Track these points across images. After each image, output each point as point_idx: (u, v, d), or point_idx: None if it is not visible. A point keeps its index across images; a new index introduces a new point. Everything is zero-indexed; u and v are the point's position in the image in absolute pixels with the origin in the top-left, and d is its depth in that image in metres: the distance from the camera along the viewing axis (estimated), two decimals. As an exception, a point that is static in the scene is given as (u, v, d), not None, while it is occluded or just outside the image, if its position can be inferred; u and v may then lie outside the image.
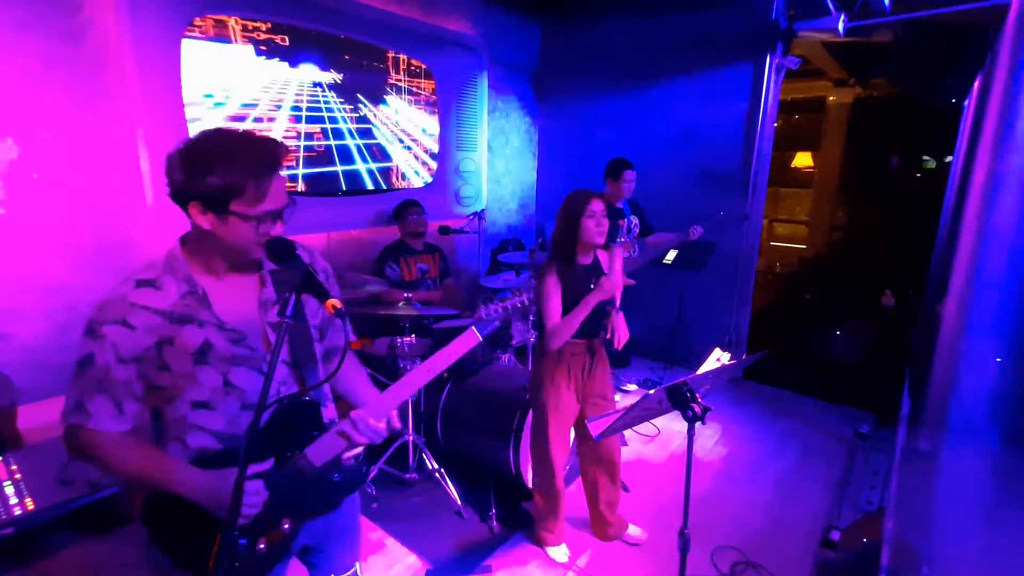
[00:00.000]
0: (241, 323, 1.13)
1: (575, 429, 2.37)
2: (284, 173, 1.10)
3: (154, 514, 1.12)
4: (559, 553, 2.36)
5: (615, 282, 2.05)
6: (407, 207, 3.42)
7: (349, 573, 1.37)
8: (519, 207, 5.34)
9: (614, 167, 3.49)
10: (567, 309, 2.06)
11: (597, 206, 2.07)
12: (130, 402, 1.08)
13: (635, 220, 3.54)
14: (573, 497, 2.70)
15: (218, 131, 1.05)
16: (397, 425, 1.23)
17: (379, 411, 1.16)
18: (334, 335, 1.35)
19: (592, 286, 2.09)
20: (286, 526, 1.15)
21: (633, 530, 2.47)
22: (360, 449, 1.22)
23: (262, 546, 1.12)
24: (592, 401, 2.28)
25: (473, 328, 1.20)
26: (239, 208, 1.03)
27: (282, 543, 1.16)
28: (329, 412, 1.31)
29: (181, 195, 1.03)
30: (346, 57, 3.55)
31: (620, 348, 2.19)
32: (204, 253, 1.11)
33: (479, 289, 3.62)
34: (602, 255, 2.23)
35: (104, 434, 1.06)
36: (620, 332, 2.16)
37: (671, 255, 3.84)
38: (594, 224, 2.06)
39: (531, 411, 2.35)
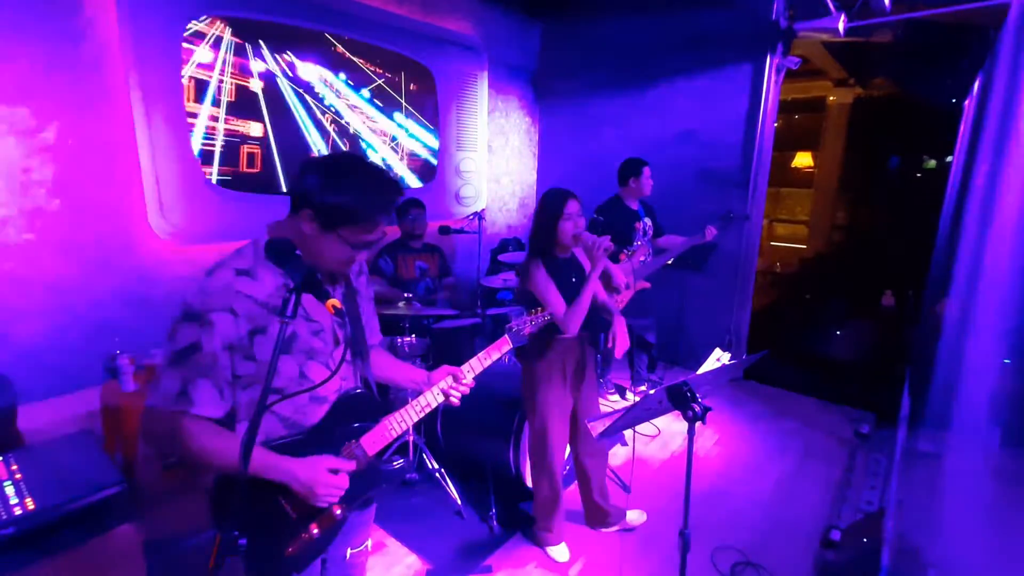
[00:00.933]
0: (319, 317, 1.20)
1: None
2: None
3: (229, 500, 1.12)
4: (559, 552, 2.36)
5: (599, 267, 2.07)
6: (407, 206, 3.42)
7: (361, 548, 1.42)
8: (519, 207, 5.34)
9: (633, 165, 3.43)
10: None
11: (573, 207, 2.11)
12: (227, 387, 1.10)
13: (648, 222, 3.51)
14: (572, 496, 2.70)
15: (360, 158, 1.14)
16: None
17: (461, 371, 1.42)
18: (370, 333, 1.43)
19: (574, 280, 2.14)
20: (338, 512, 1.21)
21: (632, 514, 2.50)
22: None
23: (315, 531, 1.18)
24: (585, 395, 2.30)
25: (507, 336, 1.56)
26: (347, 232, 1.10)
27: (333, 528, 1.22)
28: None
29: (301, 199, 1.09)
30: (346, 56, 3.55)
31: (619, 357, 2.23)
32: (300, 259, 1.14)
33: (479, 289, 3.62)
34: (610, 265, 2.28)
35: (202, 422, 1.08)
36: (620, 340, 2.19)
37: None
38: (571, 226, 2.11)
39: (526, 409, 2.35)
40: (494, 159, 4.90)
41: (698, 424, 1.48)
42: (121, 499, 1.74)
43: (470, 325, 2.96)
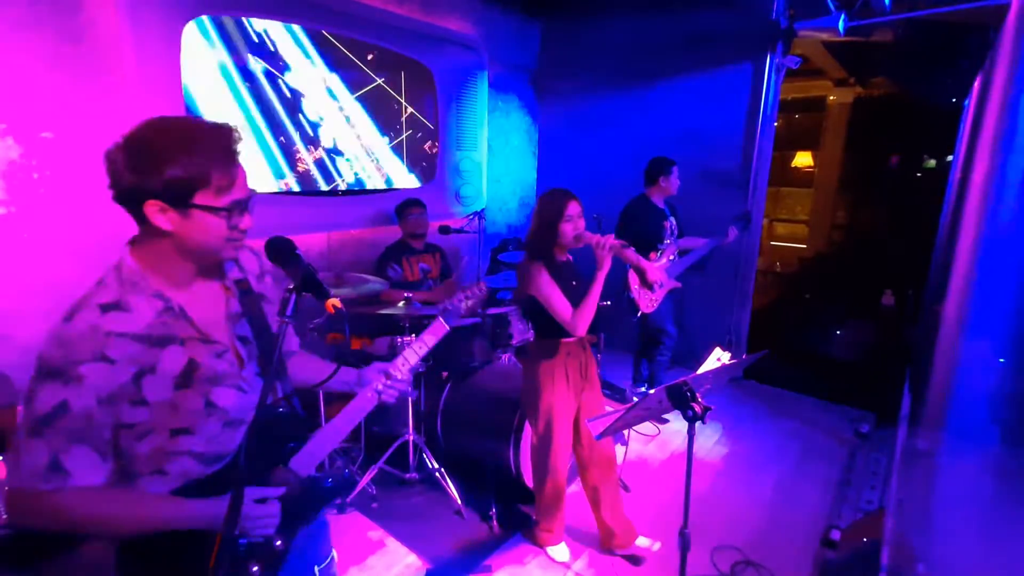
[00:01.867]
0: (219, 335, 1.04)
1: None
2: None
3: (138, 561, 1.03)
4: (559, 552, 2.36)
5: (606, 266, 2.03)
6: (408, 206, 3.42)
7: (327, 561, 1.32)
8: (519, 206, 5.34)
9: (663, 164, 3.39)
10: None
11: (574, 209, 2.09)
12: (108, 446, 0.93)
13: (674, 221, 3.50)
14: (571, 497, 2.70)
15: (163, 120, 0.94)
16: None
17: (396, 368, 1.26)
18: (291, 338, 1.34)
19: (573, 283, 2.12)
20: (278, 543, 1.08)
21: (642, 541, 2.34)
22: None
23: (255, 569, 1.04)
24: (588, 398, 2.27)
25: (440, 319, 1.40)
26: (205, 200, 0.92)
27: (275, 560, 1.09)
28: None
29: (134, 195, 0.91)
30: (347, 55, 3.55)
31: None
32: (165, 261, 0.98)
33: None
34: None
35: (85, 492, 0.91)
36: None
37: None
38: (571, 228, 2.08)
39: (528, 413, 2.32)
40: (494, 159, 4.90)
41: (698, 424, 1.48)
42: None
43: (470, 325, 2.96)
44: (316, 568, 1.26)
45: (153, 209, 0.92)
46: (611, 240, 1.98)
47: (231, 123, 0.98)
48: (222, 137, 0.94)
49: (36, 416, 0.87)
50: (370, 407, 1.23)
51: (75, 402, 0.88)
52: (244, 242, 1.06)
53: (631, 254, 2.94)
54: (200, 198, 0.92)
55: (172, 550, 1.02)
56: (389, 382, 1.25)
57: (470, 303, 1.49)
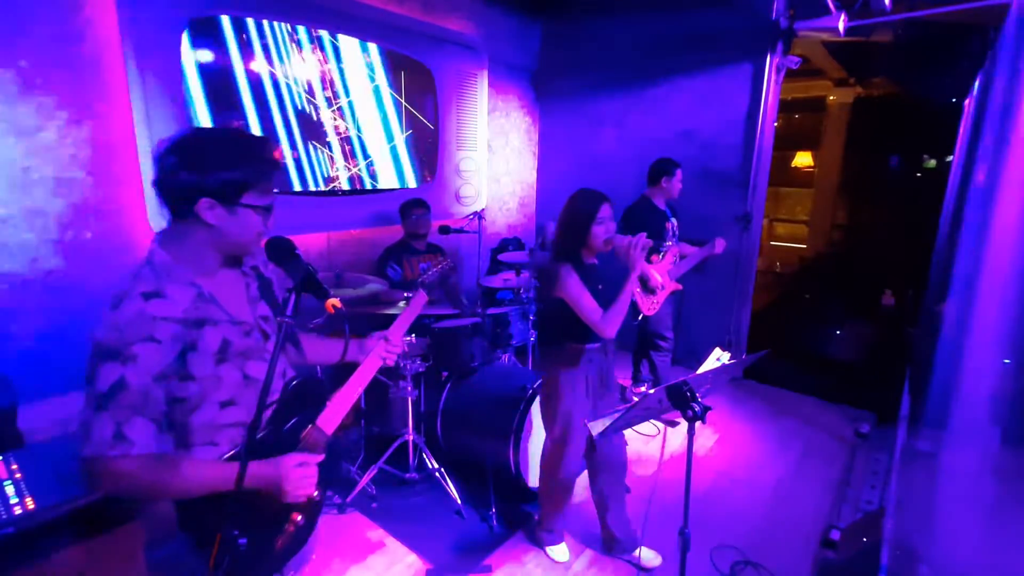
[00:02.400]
0: (244, 316, 1.18)
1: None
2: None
3: (199, 518, 1.13)
4: (559, 552, 2.36)
5: (638, 268, 1.98)
6: (413, 206, 3.43)
7: (306, 565, 1.40)
8: (519, 206, 5.34)
9: (667, 165, 3.38)
10: None
11: (606, 211, 2.02)
12: (165, 418, 1.07)
13: (676, 223, 3.49)
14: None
15: (215, 129, 1.12)
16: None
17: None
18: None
19: (600, 287, 2.06)
20: (316, 495, 1.21)
21: (646, 554, 2.32)
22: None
23: (299, 519, 1.20)
24: (605, 405, 2.21)
25: (421, 289, 1.66)
26: (251, 200, 1.08)
27: (314, 511, 1.24)
28: None
29: (189, 192, 1.04)
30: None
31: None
32: (197, 253, 1.11)
33: (479, 289, 3.62)
34: (646, 266, 2.22)
35: (148, 458, 1.03)
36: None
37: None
38: (603, 231, 2.02)
39: (545, 417, 2.26)
40: (494, 159, 4.90)
41: (698, 423, 1.48)
42: (122, 499, 1.74)
43: (470, 324, 2.96)
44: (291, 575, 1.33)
45: (204, 205, 1.05)
46: (643, 239, 1.92)
47: (269, 136, 1.12)
48: (268, 147, 1.14)
49: (99, 392, 0.99)
50: (375, 369, 1.41)
51: (132, 378, 1.00)
52: None
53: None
54: (247, 198, 1.07)
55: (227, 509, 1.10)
56: (388, 346, 1.44)
57: (437, 268, 1.75)
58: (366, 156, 3.80)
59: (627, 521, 2.35)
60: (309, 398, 1.28)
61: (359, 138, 3.74)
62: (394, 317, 2.71)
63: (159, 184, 1.06)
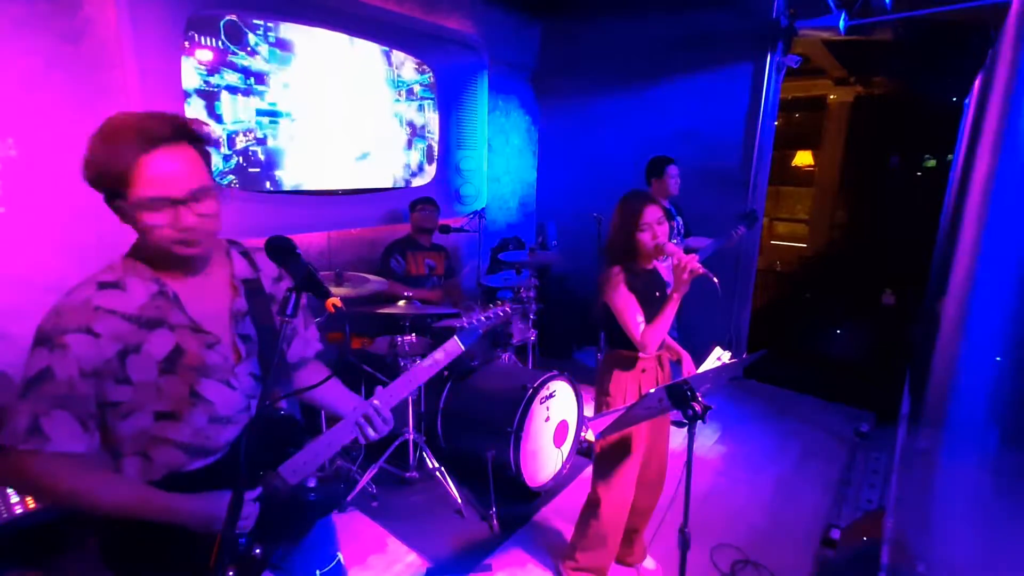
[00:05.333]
0: (214, 328, 1.05)
1: None
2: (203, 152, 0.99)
3: (125, 552, 1.03)
4: None
5: (685, 288, 1.84)
6: (420, 203, 3.46)
7: (333, 564, 1.31)
8: (519, 205, 5.34)
9: (656, 165, 3.35)
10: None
11: (652, 215, 1.88)
12: (92, 419, 0.95)
13: (680, 221, 3.46)
14: (573, 497, 2.71)
15: (114, 117, 0.93)
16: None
17: (387, 404, 1.18)
18: (298, 347, 1.28)
19: (657, 294, 1.96)
20: (257, 551, 1.06)
21: (649, 563, 2.31)
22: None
23: (231, 574, 0.98)
24: (659, 419, 2.08)
25: (456, 338, 1.28)
26: (137, 194, 0.90)
27: (253, 569, 1.07)
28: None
29: (96, 191, 0.94)
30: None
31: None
32: (153, 254, 1.00)
33: (480, 288, 3.62)
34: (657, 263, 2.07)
35: (65, 459, 0.91)
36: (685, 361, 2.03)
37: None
38: (650, 237, 1.90)
39: (600, 440, 2.02)
40: (494, 158, 4.90)
41: (698, 423, 1.48)
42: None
43: (470, 324, 2.96)
44: (318, 572, 1.26)
45: (111, 209, 0.95)
46: (693, 263, 1.76)
47: (171, 111, 0.96)
48: (147, 124, 0.91)
49: (24, 379, 0.91)
50: (347, 439, 1.16)
51: (59, 369, 0.91)
52: (238, 242, 1.08)
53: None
54: (130, 195, 0.91)
55: (159, 549, 1.01)
56: (366, 423, 1.16)
57: (490, 323, 1.38)
58: (366, 155, 3.80)
59: (642, 534, 2.30)
60: (281, 438, 1.15)
61: (359, 138, 3.73)
62: (394, 316, 2.73)
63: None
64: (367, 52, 3.67)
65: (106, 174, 0.91)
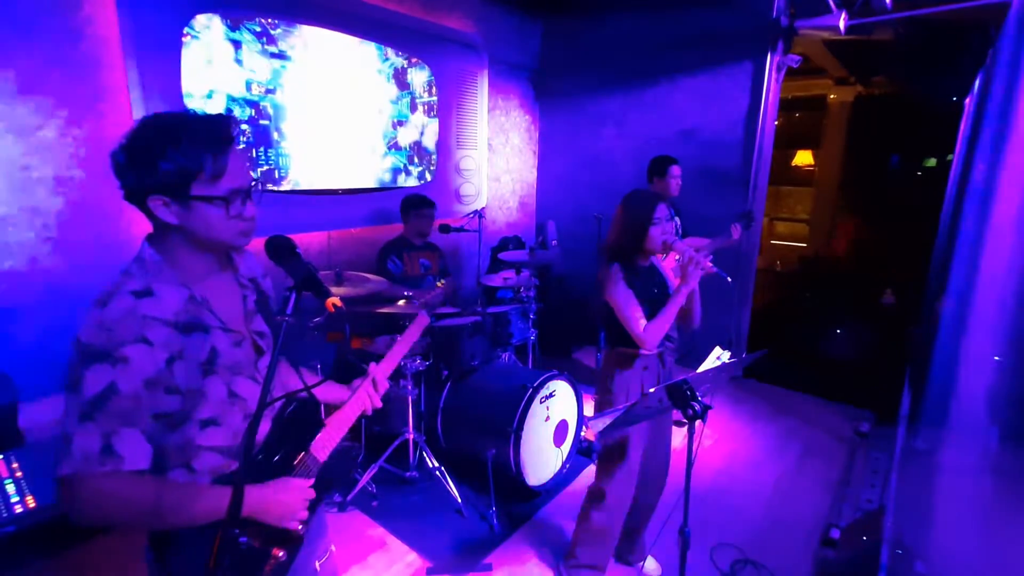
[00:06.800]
0: (238, 326, 1.08)
1: None
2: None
3: (173, 548, 1.02)
4: None
5: (692, 284, 1.91)
6: (419, 205, 3.43)
7: (326, 556, 1.34)
8: (519, 205, 5.34)
9: (659, 164, 3.34)
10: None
11: (663, 212, 1.94)
12: (150, 433, 0.94)
13: (679, 221, 3.46)
14: (572, 496, 2.70)
15: (157, 116, 0.96)
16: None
17: (382, 375, 1.34)
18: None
19: (656, 291, 1.99)
20: (300, 527, 1.11)
21: (650, 563, 2.30)
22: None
23: (281, 555, 1.08)
24: (661, 418, 2.09)
25: (422, 313, 1.56)
26: (201, 190, 0.94)
27: (296, 545, 1.12)
28: None
29: (137, 192, 0.93)
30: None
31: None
32: (180, 256, 1.01)
33: (480, 287, 3.62)
34: (656, 258, 2.10)
35: (140, 477, 0.91)
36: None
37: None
38: (660, 231, 1.94)
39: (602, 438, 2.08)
40: (494, 157, 4.90)
41: (698, 422, 1.48)
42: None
43: (471, 323, 2.96)
44: (317, 563, 1.29)
45: (157, 204, 0.94)
46: (705, 262, 1.82)
47: (225, 113, 1.00)
48: (212, 125, 0.96)
49: (85, 400, 0.87)
50: (358, 412, 1.29)
51: (123, 384, 0.88)
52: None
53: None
54: (197, 189, 0.93)
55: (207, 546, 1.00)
56: (373, 390, 1.32)
57: (442, 296, 1.65)
58: (367, 155, 3.80)
59: (643, 533, 2.31)
60: (304, 423, 1.21)
61: (359, 137, 3.73)
62: (394, 316, 2.73)
63: (120, 186, 0.94)
64: (365, 50, 3.67)
65: (182, 170, 0.92)
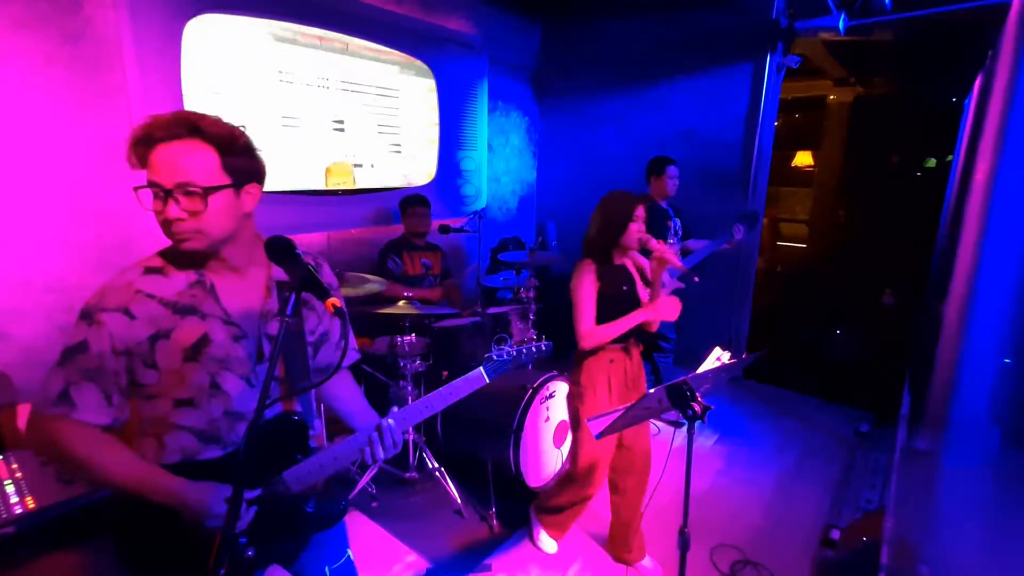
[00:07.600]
0: (244, 322, 1.10)
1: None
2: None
3: (129, 532, 1.07)
4: (548, 544, 2.35)
5: (659, 309, 1.98)
6: (414, 204, 3.44)
7: (342, 561, 1.31)
8: (519, 206, 5.34)
9: (656, 164, 3.37)
10: (601, 310, 2.00)
11: (642, 211, 2.03)
12: (117, 394, 1.01)
13: (679, 222, 3.46)
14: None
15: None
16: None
17: (400, 426, 1.17)
18: (328, 353, 1.30)
19: (625, 288, 2.06)
20: (251, 552, 1.06)
21: (647, 562, 2.33)
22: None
23: (223, 572, 0.98)
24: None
25: (481, 370, 1.27)
26: (146, 179, 1.02)
27: (244, 569, 1.07)
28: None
29: (247, 177, 1.08)
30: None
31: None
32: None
33: (479, 288, 3.62)
34: (644, 261, 2.15)
35: (87, 428, 0.99)
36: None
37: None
38: (637, 229, 2.02)
39: (570, 419, 2.26)
40: (494, 158, 4.90)
41: (698, 423, 1.48)
42: (123, 498, 1.74)
43: (470, 324, 2.96)
44: (327, 568, 1.27)
45: (255, 190, 1.09)
46: (672, 257, 1.93)
47: (174, 111, 1.03)
48: (149, 121, 1.02)
49: (64, 348, 0.99)
50: (354, 456, 1.15)
51: (93, 343, 0.98)
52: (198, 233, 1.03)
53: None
54: (146, 177, 1.02)
55: (172, 549, 1.04)
56: (376, 440, 1.14)
57: (520, 359, 1.36)
58: (367, 155, 3.80)
59: (639, 527, 2.32)
60: (294, 442, 1.15)
61: (358, 136, 3.73)
62: (394, 316, 2.73)
63: (235, 158, 1.07)
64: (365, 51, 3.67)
65: (131, 158, 1.03)
